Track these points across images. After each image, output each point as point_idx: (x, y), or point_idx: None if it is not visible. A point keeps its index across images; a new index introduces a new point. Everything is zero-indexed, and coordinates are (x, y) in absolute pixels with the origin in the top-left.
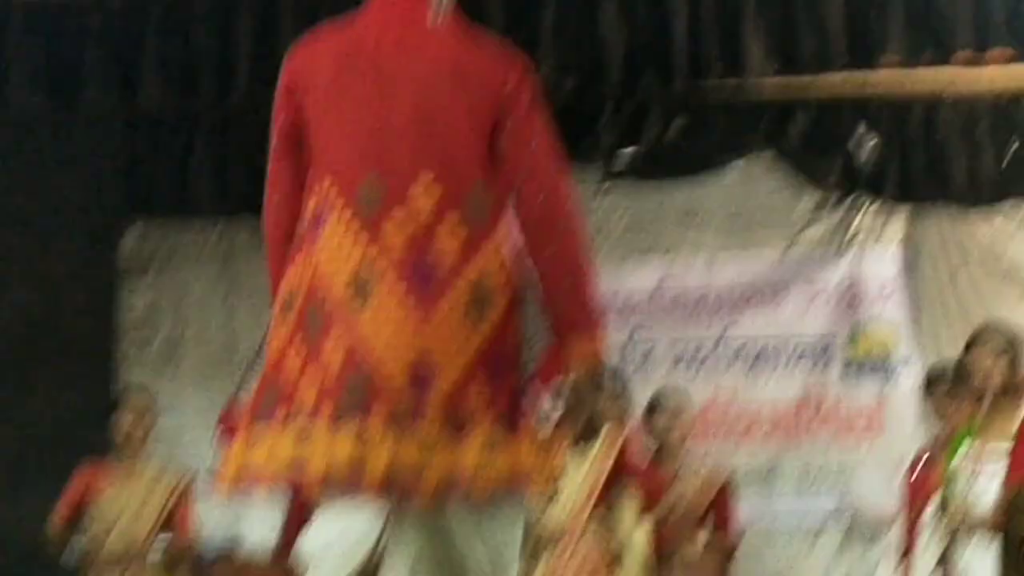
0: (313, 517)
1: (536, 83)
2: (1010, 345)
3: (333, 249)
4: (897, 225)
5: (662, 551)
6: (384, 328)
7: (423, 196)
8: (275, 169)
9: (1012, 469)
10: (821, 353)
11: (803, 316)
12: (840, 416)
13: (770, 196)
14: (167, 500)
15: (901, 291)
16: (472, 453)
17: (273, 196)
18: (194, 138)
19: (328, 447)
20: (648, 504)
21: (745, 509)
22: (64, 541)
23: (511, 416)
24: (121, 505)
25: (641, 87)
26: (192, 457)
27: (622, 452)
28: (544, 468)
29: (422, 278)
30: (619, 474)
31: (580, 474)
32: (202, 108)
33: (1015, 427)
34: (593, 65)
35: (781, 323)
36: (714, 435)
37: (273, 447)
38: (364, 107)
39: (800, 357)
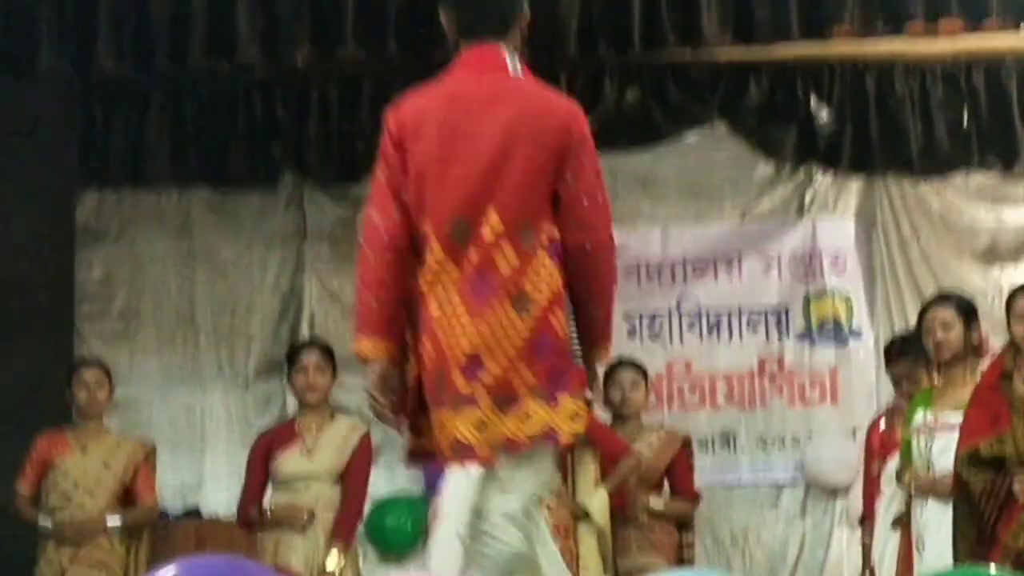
0: None
1: (589, 132)
2: (962, 313)
3: (433, 274)
4: (851, 195)
5: (621, 514)
6: (450, 333)
7: (489, 232)
8: (381, 194)
9: (964, 434)
10: (776, 322)
11: (758, 285)
12: (795, 383)
13: (725, 166)
14: (127, 466)
15: (855, 260)
16: (512, 423)
17: (376, 213)
18: (149, 107)
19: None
20: (606, 469)
21: (705, 473)
22: (32, 506)
23: (547, 391)
24: (81, 471)
25: (597, 56)
26: (151, 424)
27: None
28: (570, 428)
29: (476, 288)
30: (575, 444)
31: None
32: (157, 77)
33: (968, 396)
34: (549, 34)
35: (736, 292)
36: (672, 402)
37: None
38: (452, 156)
39: (755, 325)
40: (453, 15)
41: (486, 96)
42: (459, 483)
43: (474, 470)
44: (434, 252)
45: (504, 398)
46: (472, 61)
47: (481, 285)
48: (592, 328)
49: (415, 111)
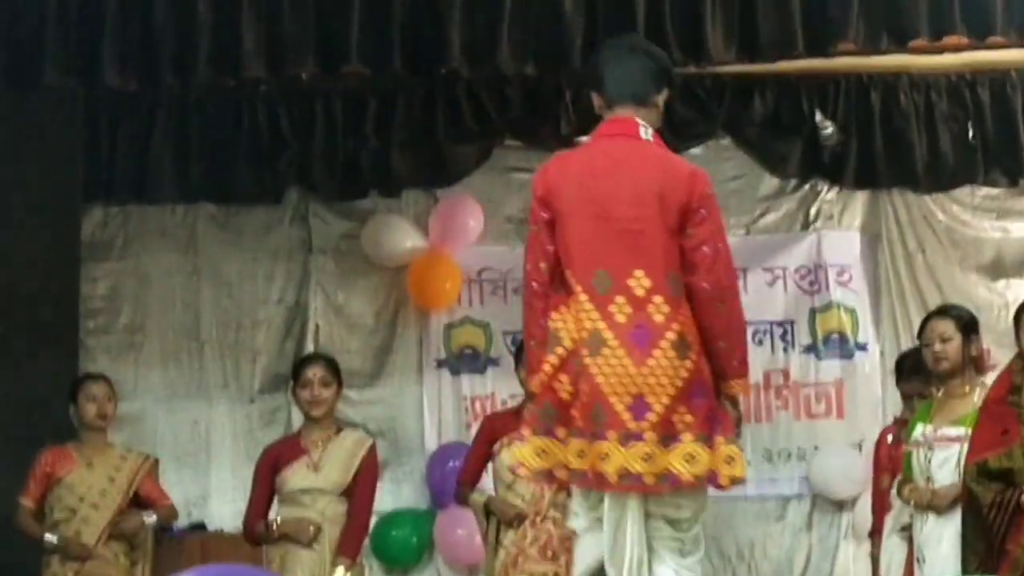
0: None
1: (711, 191)
2: (961, 326)
3: (579, 321)
4: (856, 210)
5: None
6: (612, 375)
7: (637, 287)
8: (536, 245)
9: (973, 448)
10: (782, 335)
11: (764, 299)
12: (801, 396)
13: (730, 181)
14: (132, 480)
15: (860, 274)
16: (677, 460)
17: (529, 267)
18: (155, 123)
19: (594, 457)
20: None
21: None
22: (36, 521)
23: (705, 433)
24: (87, 486)
25: None
26: (156, 439)
27: None
28: (728, 472)
29: (637, 340)
30: None
31: None
32: (162, 92)
33: (966, 410)
34: (553, 51)
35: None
36: None
37: (564, 456)
38: (594, 216)
39: (761, 339)
40: (604, 95)
41: (620, 159)
42: (615, 510)
43: (635, 499)
44: (580, 301)
45: (667, 436)
46: (610, 130)
47: (640, 336)
48: (723, 363)
49: (559, 173)
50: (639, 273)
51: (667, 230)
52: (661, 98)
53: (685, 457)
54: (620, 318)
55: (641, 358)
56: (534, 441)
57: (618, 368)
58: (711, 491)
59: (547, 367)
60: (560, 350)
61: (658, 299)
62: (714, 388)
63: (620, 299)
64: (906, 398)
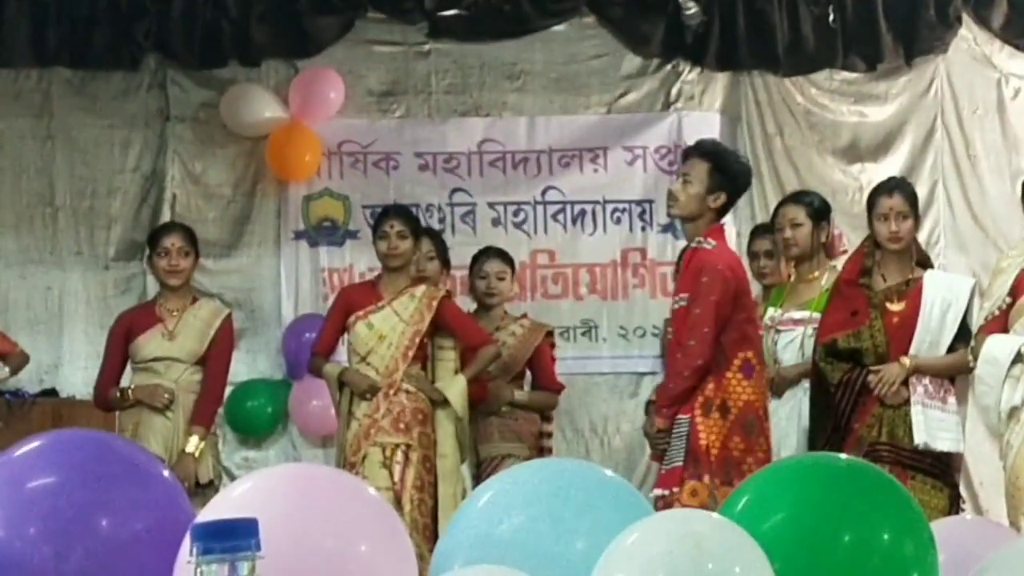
0: None
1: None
2: (812, 212)
3: (758, 392)
4: (716, 91)
5: (481, 404)
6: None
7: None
8: (709, 328)
9: (823, 328)
10: (640, 213)
11: (623, 178)
12: (657, 275)
13: (592, 59)
14: None
15: None
16: None
17: (708, 335)
18: None
19: None
20: (467, 359)
21: (567, 362)
22: None
23: None
24: None
25: None
26: (7, 304)
27: (440, 309)
28: None
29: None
30: (437, 330)
31: (397, 331)
32: None
33: (813, 295)
34: None
35: (601, 184)
36: (535, 292)
37: None
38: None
39: (619, 217)
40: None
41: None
42: None
43: None
44: (757, 372)
45: None
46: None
47: None
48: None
49: (740, 268)
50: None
51: None
52: None
53: None
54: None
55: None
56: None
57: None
58: (567, 366)
59: (722, 427)
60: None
61: None
62: None
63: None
64: (755, 272)
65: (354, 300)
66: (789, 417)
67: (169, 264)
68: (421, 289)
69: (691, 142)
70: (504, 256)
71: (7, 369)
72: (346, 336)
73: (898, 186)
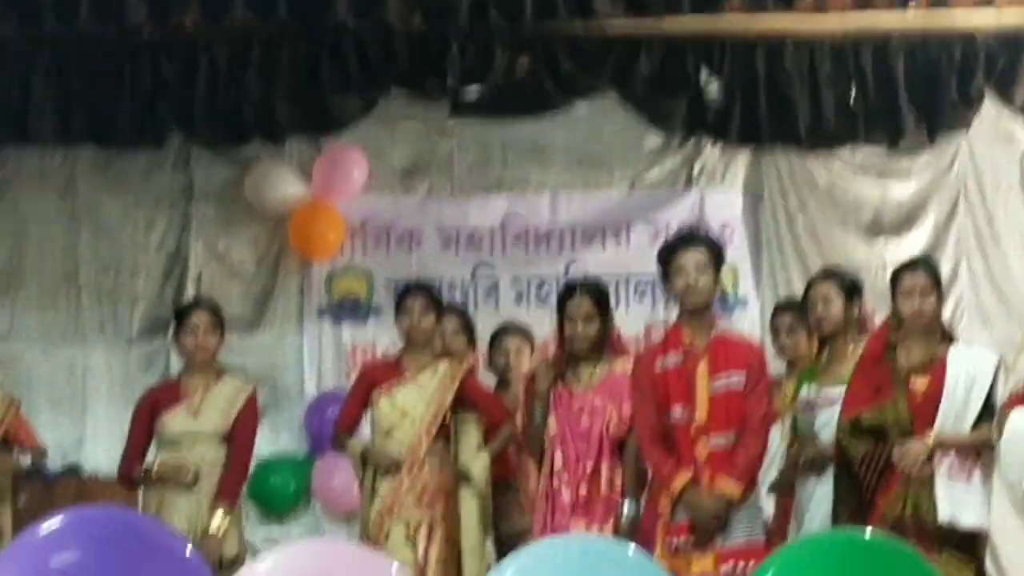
0: None
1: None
2: (844, 289)
3: None
4: (739, 167)
5: (502, 480)
6: None
7: None
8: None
9: (847, 404)
10: (663, 291)
11: (646, 254)
12: None
13: (615, 136)
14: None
15: (742, 232)
16: None
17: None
18: (36, 66)
19: None
20: (489, 434)
21: None
22: None
23: None
24: None
25: (488, 25)
26: (31, 382)
27: (463, 385)
28: None
29: None
30: (460, 406)
31: (420, 407)
32: (44, 36)
33: (849, 371)
34: (441, 2)
35: (624, 260)
36: None
37: None
38: None
39: (643, 294)
40: None
41: None
42: None
43: None
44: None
45: None
46: None
47: None
48: None
49: None
50: None
51: None
52: None
53: None
54: None
55: None
56: None
57: None
58: None
59: None
60: None
61: None
62: None
63: None
64: (780, 348)
65: (377, 375)
66: (827, 496)
67: (196, 342)
68: (444, 364)
69: (714, 219)
70: (523, 332)
71: (30, 459)
72: (369, 411)
73: (922, 263)
